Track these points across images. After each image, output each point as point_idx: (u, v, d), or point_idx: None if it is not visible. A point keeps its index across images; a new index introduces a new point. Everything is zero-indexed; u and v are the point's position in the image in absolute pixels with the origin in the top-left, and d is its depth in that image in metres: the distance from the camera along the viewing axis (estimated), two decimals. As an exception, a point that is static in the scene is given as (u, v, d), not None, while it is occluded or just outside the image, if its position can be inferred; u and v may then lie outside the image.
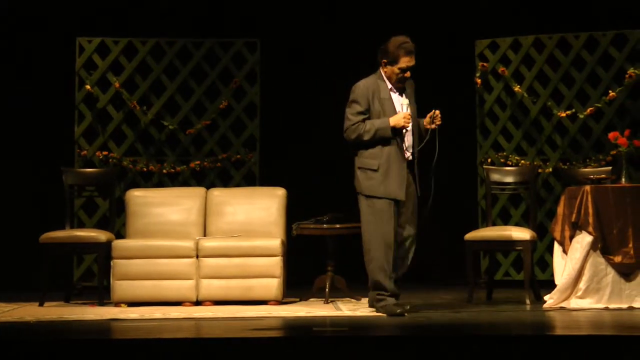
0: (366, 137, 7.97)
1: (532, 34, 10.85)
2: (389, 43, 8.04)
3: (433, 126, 8.02)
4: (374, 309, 8.11)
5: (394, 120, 7.93)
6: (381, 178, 7.95)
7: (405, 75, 7.99)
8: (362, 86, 8.07)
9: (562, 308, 8.29)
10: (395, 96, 8.06)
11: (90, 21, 10.99)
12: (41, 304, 8.87)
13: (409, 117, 7.95)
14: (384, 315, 7.96)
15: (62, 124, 10.85)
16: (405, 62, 7.97)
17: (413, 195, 8.08)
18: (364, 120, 8.01)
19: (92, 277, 10.50)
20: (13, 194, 10.72)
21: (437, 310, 8.28)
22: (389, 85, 8.06)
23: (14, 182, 10.77)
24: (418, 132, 8.10)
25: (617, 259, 8.26)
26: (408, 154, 8.03)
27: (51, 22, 10.97)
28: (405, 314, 7.90)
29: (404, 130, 7.97)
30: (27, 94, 10.86)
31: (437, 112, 8.02)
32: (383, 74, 8.06)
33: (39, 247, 9.07)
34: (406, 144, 8.04)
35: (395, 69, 7.99)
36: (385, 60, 8.04)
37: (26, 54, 10.93)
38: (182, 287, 8.82)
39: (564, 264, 8.38)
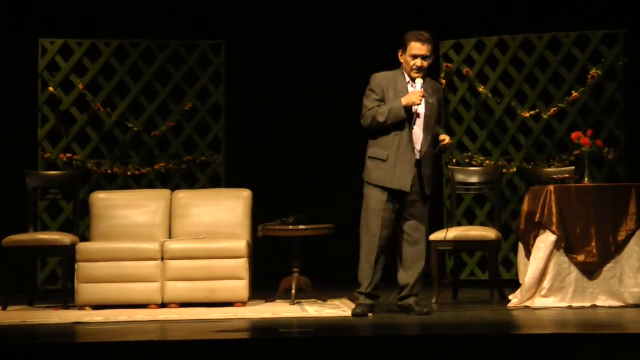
0: (381, 119, 7.92)
1: (495, 35, 10.90)
2: (404, 34, 8.09)
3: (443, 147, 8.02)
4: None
5: (406, 99, 7.88)
6: (388, 168, 7.93)
7: (418, 64, 7.94)
8: (379, 76, 8.09)
9: (526, 307, 8.33)
10: (412, 89, 8.01)
11: (53, 22, 10.93)
12: (4, 308, 8.81)
13: (422, 93, 7.89)
14: (347, 316, 7.98)
15: (25, 126, 10.78)
16: (415, 48, 7.95)
17: (419, 194, 8.01)
18: (379, 106, 8.00)
19: (56, 280, 10.44)
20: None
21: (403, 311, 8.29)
22: (407, 79, 8.03)
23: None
24: (432, 136, 8.01)
25: (580, 257, 8.31)
26: (417, 150, 7.95)
27: (13, 23, 10.90)
28: (369, 315, 7.91)
29: (415, 109, 7.87)
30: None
31: (445, 140, 7.96)
32: (403, 69, 8.06)
33: (2, 251, 9.01)
34: (417, 139, 7.95)
35: (407, 56, 7.98)
36: (400, 51, 8.05)
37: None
38: (147, 290, 8.79)
39: (528, 263, 8.42)
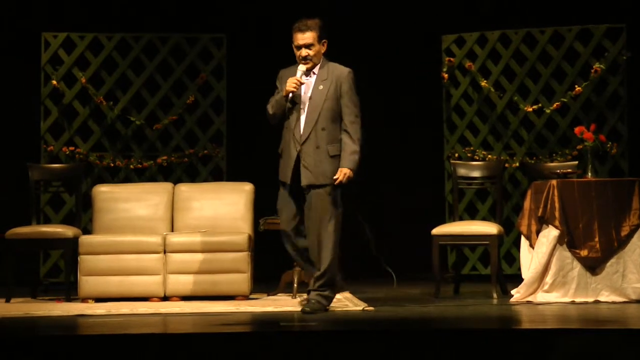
0: (270, 111, 7.92)
1: (498, 29, 10.90)
2: None
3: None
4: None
5: (285, 88, 7.84)
6: (282, 162, 7.96)
7: (303, 54, 7.86)
8: (280, 72, 8.04)
9: (528, 302, 8.32)
10: (308, 80, 7.92)
11: (56, 16, 10.93)
12: (7, 300, 8.82)
13: (296, 80, 7.78)
14: (353, 310, 7.99)
15: (28, 119, 10.79)
16: (297, 39, 7.89)
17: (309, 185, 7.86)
18: None
19: (59, 273, 10.46)
20: (-21, 190, 10.67)
21: (405, 305, 8.30)
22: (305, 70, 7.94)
23: (-20, 178, 10.71)
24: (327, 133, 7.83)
25: (583, 253, 8.31)
26: (297, 139, 7.83)
27: (16, 17, 10.91)
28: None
29: (290, 96, 7.77)
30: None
31: (337, 180, 7.77)
32: None
33: (5, 243, 9.02)
34: (300, 127, 7.85)
35: (294, 49, 7.93)
36: (293, 45, 7.98)
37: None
38: (149, 283, 8.80)
39: (531, 258, 8.41)
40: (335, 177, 7.78)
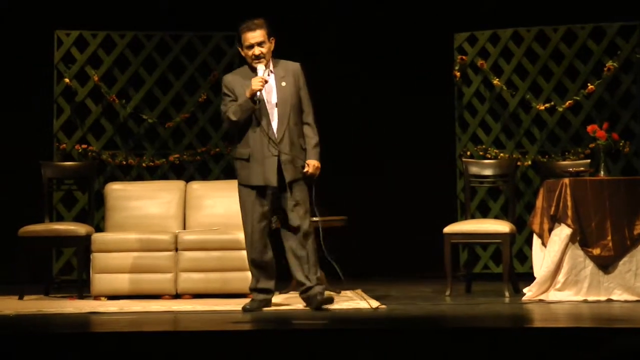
0: (234, 118, 7.81)
1: (510, 27, 10.88)
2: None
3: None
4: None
5: (248, 90, 7.73)
6: (252, 166, 7.80)
7: (256, 52, 7.83)
8: (227, 78, 7.99)
9: (540, 300, 8.31)
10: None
11: (69, 14, 10.95)
12: (20, 297, 8.85)
13: (261, 79, 7.72)
14: (366, 308, 7.99)
15: (41, 117, 10.82)
16: (248, 38, 7.84)
17: (290, 183, 7.84)
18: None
19: (72, 270, 10.48)
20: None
21: (416, 303, 8.30)
22: (255, 72, 7.88)
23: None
24: (298, 134, 7.87)
25: (596, 251, 8.29)
26: (274, 139, 7.77)
27: (29, 14, 10.93)
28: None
29: (258, 96, 7.69)
30: (4, 88, 10.81)
31: (308, 172, 7.84)
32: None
33: (18, 241, 9.05)
34: (274, 127, 7.79)
35: (245, 50, 7.86)
36: (239, 48, 7.94)
37: (4, 47, 10.87)
38: (161, 280, 8.82)
39: (543, 256, 8.40)
40: (305, 170, 7.84)
